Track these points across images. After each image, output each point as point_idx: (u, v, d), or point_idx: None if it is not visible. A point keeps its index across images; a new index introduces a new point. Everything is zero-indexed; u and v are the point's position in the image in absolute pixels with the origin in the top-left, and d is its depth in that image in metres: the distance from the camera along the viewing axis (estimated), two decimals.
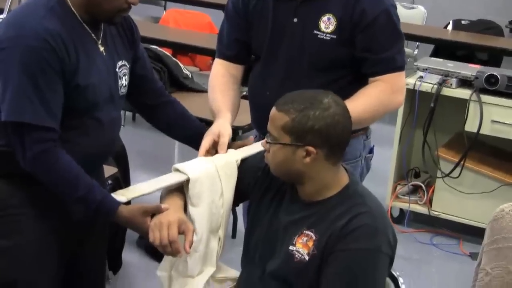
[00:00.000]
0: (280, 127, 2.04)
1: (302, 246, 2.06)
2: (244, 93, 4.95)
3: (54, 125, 2.11)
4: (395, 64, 2.52)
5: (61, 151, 2.13)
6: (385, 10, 2.47)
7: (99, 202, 2.15)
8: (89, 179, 2.15)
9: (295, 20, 2.52)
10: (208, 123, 2.50)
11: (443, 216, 4.49)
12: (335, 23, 2.48)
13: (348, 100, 2.34)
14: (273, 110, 2.08)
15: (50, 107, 2.09)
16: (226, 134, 2.38)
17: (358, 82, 2.53)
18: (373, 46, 2.48)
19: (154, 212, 2.17)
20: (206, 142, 2.35)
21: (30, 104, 2.07)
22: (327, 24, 2.49)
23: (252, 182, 2.27)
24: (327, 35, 2.49)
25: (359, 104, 2.43)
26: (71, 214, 2.27)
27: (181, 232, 2.12)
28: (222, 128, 2.41)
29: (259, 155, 2.27)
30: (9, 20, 2.16)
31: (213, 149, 2.37)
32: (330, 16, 2.48)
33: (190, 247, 2.13)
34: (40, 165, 2.12)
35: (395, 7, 2.53)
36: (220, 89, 2.63)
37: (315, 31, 2.49)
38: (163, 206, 2.17)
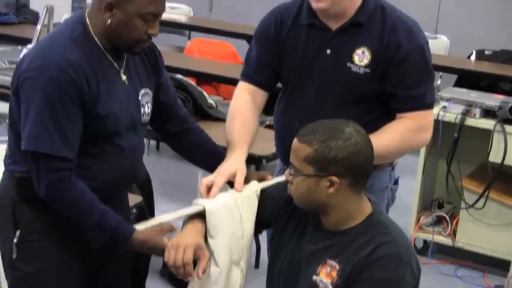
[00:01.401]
0: (303, 158, 2.04)
1: (325, 276, 2.06)
2: (268, 122, 5.00)
3: (70, 155, 2.15)
4: (425, 101, 2.51)
5: (75, 180, 2.16)
6: (419, 46, 2.47)
7: (113, 229, 2.18)
8: (103, 207, 2.18)
9: (328, 51, 2.51)
10: None
11: (468, 247, 4.45)
12: (370, 56, 2.47)
13: (372, 134, 2.33)
14: (295, 142, 2.09)
15: (67, 137, 2.14)
16: (242, 173, 2.34)
17: (387, 116, 2.52)
18: (404, 82, 2.47)
19: (169, 230, 2.20)
20: (220, 182, 2.30)
21: (48, 134, 2.12)
22: (361, 57, 2.48)
23: (275, 212, 2.28)
24: (361, 68, 2.47)
25: (384, 140, 2.42)
26: (90, 241, 2.29)
27: (197, 257, 2.13)
28: (237, 166, 2.36)
29: (281, 185, 2.28)
30: (35, 50, 2.22)
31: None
32: (365, 49, 2.47)
33: (203, 273, 2.13)
34: (54, 193, 2.16)
35: (428, 44, 2.52)
36: (241, 119, 2.56)
37: (348, 64, 2.48)
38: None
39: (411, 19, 2.54)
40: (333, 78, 2.50)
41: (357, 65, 2.48)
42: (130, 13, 2.15)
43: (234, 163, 2.37)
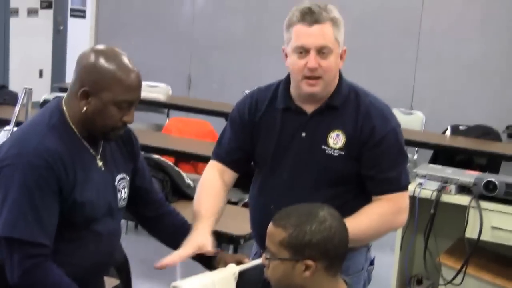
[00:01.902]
0: (278, 242, 2.06)
1: None
2: (246, 200, 5.01)
3: (47, 241, 2.15)
4: (400, 184, 2.55)
5: (51, 266, 2.16)
6: (392, 130, 2.52)
7: None
8: None
9: (304, 134, 2.54)
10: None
11: None
12: (344, 139, 2.51)
13: (351, 217, 2.36)
14: (270, 226, 2.11)
15: (43, 223, 2.14)
16: (209, 245, 2.38)
17: (361, 197, 2.55)
18: (380, 165, 2.51)
19: None
20: (183, 254, 2.34)
21: (24, 220, 2.12)
22: (335, 140, 2.51)
23: None
24: (336, 151, 2.51)
25: (362, 223, 2.45)
26: None
27: None
28: (203, 239, 2.39)
29: (258, 268, 2.28)
30: (13, 138, 2.26)
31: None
32: (339, 132, 2.51)
33: None
34: (29, 280, 2.15)
35: (400, 127, 2.58)
36: (208, 193, 2.60)
37: (323, 146, 2.52)
38: None
39: (383, 103, 2.60)
40: (308, 161, 2.54)
41: (331, 147, 2.51)
42: (105, 101, 2.19)
43: (200, 235, 2.40)
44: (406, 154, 2.59)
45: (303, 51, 2.46)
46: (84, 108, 2.20)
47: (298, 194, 2.49)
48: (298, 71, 2.48)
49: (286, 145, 2.57)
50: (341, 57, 2.51)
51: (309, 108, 2.55)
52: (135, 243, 5.30)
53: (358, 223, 2.40)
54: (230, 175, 2.69)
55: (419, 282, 4.63)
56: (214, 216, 2.52)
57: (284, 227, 2.06)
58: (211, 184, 2.63)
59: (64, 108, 2.26)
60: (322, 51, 2.44)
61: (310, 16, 2.44)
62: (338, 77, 2.56)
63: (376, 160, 2.51)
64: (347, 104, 2.54)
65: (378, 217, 2.52)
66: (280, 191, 2.57)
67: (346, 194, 2.54)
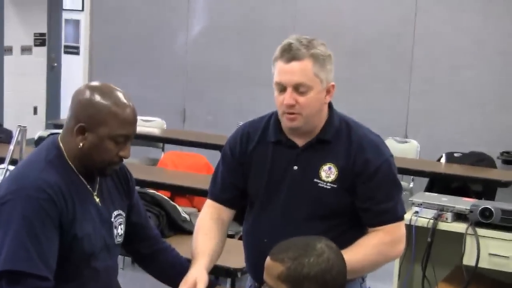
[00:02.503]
0: (276, 276, 2.05)
1: None
2: (241, 233, 4.99)
3: (48, 275, 2.14)
4: (396, 214, 2.54)
5: None
6: (386, 161, 2.53)
7: None
8: None
9: (295, 167, 2.54)
10: None
11: None
12: (336, 172, 2.51)
13: (347, 249, 2.36)
14: (268, 260, 2.10)
15: (46, 256, 2.14)
16: (203, 281, 2.37)
17: (356, 228, 2.55)
18: (375, 197, 2.51)
19: None
20: None
21: (26, 253, 2.11)
22: (328, 173, 2.51)
23: None
24: (328, 184, 2.51)
25: (359, 254, 2.45)
26: None
27: None
28: (198, 275, 2.39)
29: None
30: (12, 176, 2.27)
31: None
32: (331, 165, 2.51)
33: None
34: None
35: (393, 157, 2.58)
36: (204, 232, 2.59)
37: (315, 180, 2.51)
38: None
39: (375, 134, 2.60)
40: (300, 194, 2.53)
41: (324, 181, 2.51)
42: (101, 136, 2.20)
43: (194, 272, 2.40)
44: (400, 184, 2.60)
45: (281, 87, 2.47)
46: (81, 144, 2.21)
47: (291, 228, 2.48)
48: (279, 106, 2.50)
49: (278, 179, 2.56)
50: (328, 91, 2.51)
51: (300, 142, 2.55)
52: (132, 279, 5.27)
53: (354, 255, 2.39)
54: (228, 212, 2.69)
55: None
56: (210, 254, 2.51)
57: (282, 261, 2.05)
58: (207, 224, 2.62)
59: (61, 144, 2.27)
60: (299, 89, 2.44)
61: (288, 53, 2.44)
62: (326, 111, 2.56)
63: (371, 192, 2.51)
64: (339, 136, 2.54)
65: (375, 249, 2.51)
66: (273, 225, 2.56)
67: (340, 226, 2.53)
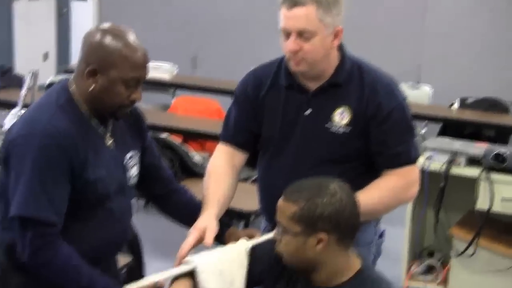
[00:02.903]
0: (289, 217, 2.05)
1: None
2: (254, 177, 5.00)
3: (57, 221, 2.15)
4: (410, 157, 2.53)
5: (61, 245, 2.16)
6: (399, 105, 2.50)
7: None
8: (90, 271, 2.18)
9: (307, 112, 2.52)
10: None
11: None
12: (349, 116, 2.49)
13: (361, 191, 2.35)
14: (281, 201, 2.10)
15: (54, 203, 2.15)
16: (212, 230, 2.35)
17: (369, 173, 2.54)
18: (388, 140, 2.49)
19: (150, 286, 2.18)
20: (191, 239, 2.32)
21: (36, 200, 2.13)
22: (340, 117, 2.49)
23: (265, 271, 2.28)
24: (341, 128, 2.49)
25: (373, 197, 2.44)
26: None
27: None
28: (207, 224, 2.37)
29: (270, 243, 2.27)
30: (23, 119, 2.25)
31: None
32: (344, 109, 2.49)
33: None
34: (39, 259, 2.15)
35: (406, 100, 2.55)
36: (215, 178, 2.56)
37: (328, 124, 2.50)
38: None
39: (388, 77, 2.57)
40: (313, 139, 2.52)
41: (336, 125, 2.50)
42: (112, 79, 2.17)
43: (204, 220, 2.39)
44: (414, 128, 2.57)
45: (285, 33, 2.44)
46: (91, 87, 2.19)
47: (305, 172, 2.44)
48: (285, 51, 2.48)
49: (290, 123, 2.55)
50: (335, 36, 2.46)
51: (312, 86, 2.53)
52: (145, 222, 5.29)
53: (368, 197, 2.39)
54: (240, 156, 2.66)
55: (431, 254, 4.64)
56: (220, 201, 2.49)
57: (295, 201, 2.05)
58: (218, 170, 2.60)
59: (71, 88, 2.25)
60: (302, 35, 2.41)
61: None
62: (336, 55, 2.52)
63: (383, 136, 2.49)
64: (351, 80, 2.51)
65: (389, 191, 2.51)
66: (286, 169, 2.55)
67: (354, 171, 2.52)
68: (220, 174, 2.58)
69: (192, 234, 2.34)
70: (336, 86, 2.51)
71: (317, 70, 2.48)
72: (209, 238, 2.32)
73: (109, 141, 2.30)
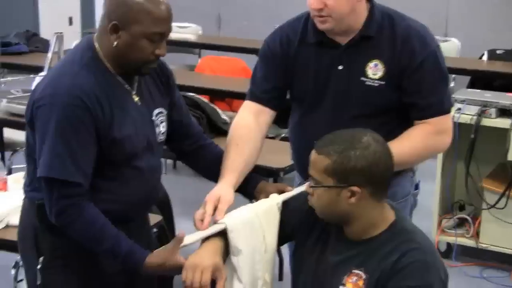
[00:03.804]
0: (322, 170, 2.04)
1: (352, 285, 2.05)
2: (283, 135, 4.99)
3: (82, 181, 2.15)
4: (442, 107, 2.49)
5: (87, 205, 2.17)
6: (432, 52, 2.45)
7: (126, 254, 2.18)
8: (115, 232, 2.18)
9: (340, 67, 2.48)
10: None
11: (492, 248, 4.42)
12: (383, 68, 2.45)
13: (393, 141, 2.31)
14: (313, 154, 2.08)
15: (79, 163, 2.14)
16: (226, 201, 2.30)
17: (404, 125, 2.50)
18: (421, 90, 2.45)
19: (176, 245, 2.17)
20: (208, 209, 2.28)
21: (61, 161, 2.13)
22: (374, 70, 2.45)
23: (297, 224, 2.27)
24: (376, 81, 2.45)
25: (405, 146, 2.40)
26: (108, 267, 2.31)
27: (214, 278, 2.12)
28: (223, 193, 2.33)
29: (301, 197, 2.26)
30: (47, 79, 2.24)
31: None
32: (377, 62, 2.45)
33: None
34: (64, 219, 2.17)
35: (440, 48, 2.50)
36: (235, 143, 2.48)
37: (362, 78, 2.46)
38: (179, 232, 2.18)
39: (420, 24, 2.52)
40: (347, 94, 2.48)
41: (371, 78, 2.46)
42: (135, 34, 2.15)
43: (219, 189, 2.35)
44: (447, 76, 2.52)
45: None
46: (115, 43, 2.17)
47: (339, 127, 2.39)
48: (310, 9, 2.44)
49: (323, 80, 2.51)
50: None
51: (342, 40, 2.49)
52: (174, 183, 5.32)
53: (401, 146, 2.35)
54: (267, 114, 2.61)
55: (462, 208, 4.61)
56: (239, 169, 2.42)
57: (328, 154, 2.03)
58: (240, 132, 2.53)
59: (96, 44, 2.23)
60: None
61: None
62: (364, 7, 2.47)
63: (417, 85, 2.45)
64: (383, 31, 2.47)
65: (421, 140, 2.47)
66: (320, 126, 2.49)
67: (388, 124, 2.47)
68: (243, 137, 2.51)
69: (208, 205, 2.29)
70: (367, 39, 2.47)
71: (345, 25, 2.44)
72: (221, 210, 2.28)
73: (136, 98, 2.29)
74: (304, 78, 2.54)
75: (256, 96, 2.61)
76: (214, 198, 2.31)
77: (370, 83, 2.46)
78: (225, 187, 2.36)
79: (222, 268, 2.16)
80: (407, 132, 2.47)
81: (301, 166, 2.62)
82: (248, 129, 2.53)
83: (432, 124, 2.47)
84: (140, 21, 2.14)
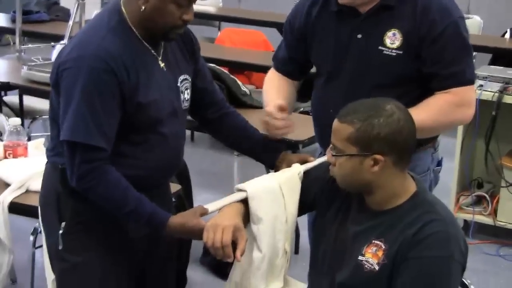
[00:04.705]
0: (345, 138, 2.02)
1: (371, 256, 2.05)
2: (302, 108, 4.98)
3: (105, 145, 2.15)
4: (464, 77, 2.45)
5: (109, 169, 2.17)
6: (453, 22, 2.41)
7: (149, 215, 2.18)
8: (137, 194, 2.18)
9: (359, 36, 2.47)
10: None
11: (509, 226, 4.41)
12: (401, 38, 2.42)
13: (412, 109, 2.29)
14: (336, 122, 2.07)
15: (103, 128, 2.14)
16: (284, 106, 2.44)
17: (425, 96, 2.47)
18: (442, 60, 2.42)
19: (202, 212, 2.19)
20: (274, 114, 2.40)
21: (84, 125, 2.12)
22: (392, 39, 2.43)
23: (318, 194, 2.27)
24: (393, 51, 2.43)
25: (424, 113, 2.37)
26: (130, 232, 2.31)
27: (235, 238, 2.12)
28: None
29: (323, 166, 2.26)
30: (74, 42, 2.23)
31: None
32: (396, 31, 2.43)
33: (241, 255, 2.12)
34: (86, 183, 2.16)
35: (463, 19, 2.47)
36: (273, 85, 2.67)
37: (380, 47, 2.44)
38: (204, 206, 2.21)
39: None
40: (366, 62, 2.47)
41: (388, 47, 2.44)
42: None
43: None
44: (470, 47, 2.48)
45: None
46: (143, 7, 2.16)
47: (359, 97, 2.36)
48: None
49: (343, 48, 2.50)
50: None
51: (363, 9, 2.47)
52: (191, 155, 5.32)
53: (419, 113, 2.29)
54: (290, 82, 2.72)
55: (480, 185, 4.60)
56: (284, 98, 2.56)
57: (351, 122, 2.02)
58: (274, 83, 2.69)
59: (123, 8, 2.22)
60: None
61: None
62: None
63: (437, 55, 2.42)
64: (404, 1, 2.44)
65: (441, 108, 2.43)
66: (340, 95, 2.50)
67: (409, 94, 2.45)
68: (279, 85, 2.67)
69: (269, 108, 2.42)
70: (387, 8, 2.45)
71: None
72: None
73: (162, 64, 2.28)
74: (324, 48, 2.56)
75: (276, 66, 2.74)
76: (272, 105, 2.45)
77: (387, 52, 2.44)
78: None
79: (243, 229, 2.16)
80: (426, 100, 2.44)
81: (322, 135, 2.62)
82: (282, 82, 2.70)
83: (454, 94, 2.44)
84: None
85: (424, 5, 2.42)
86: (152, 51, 2.25)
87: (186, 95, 2.35)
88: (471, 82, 2.48)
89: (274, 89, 2.64)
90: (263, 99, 2.64)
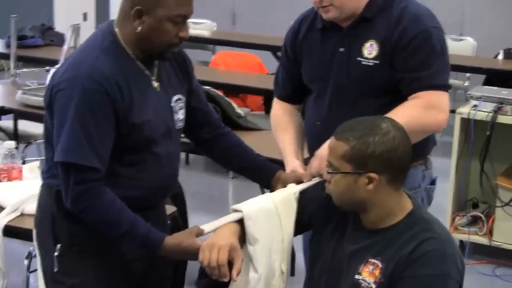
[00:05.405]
0: (340, 156, 2.03)
1: (368, 275, 2.04)
2: None
3: (99, 166, 2.15)
4: (431, 81, 2.46)
5: (104, 189, 2.16)
6: (425, 31, 2.46)
7: (144, 235, 2.17)
8: (132, 215, 2.18)
9: (341, 49, 2.54)
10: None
11: (505, 246, 4.40)
12: (378, 48, 2.48)
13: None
14: (332, 140, 2.08)
15: (97, 148, 2.14)
16: (299, 168, 2.51)
17: None
18: (409, 65, 2.45)
19: (198, 232, 2.19)
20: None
21: (79, 146, 2.12)
22: (369, 50, 2.50)
23: (315, 213, 2.27)
24: (371, 60, 2.49)
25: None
26: (126, 253, 2.30)
27: (231, 258, 2.12)
28: (292, 165, 2.53)
29: (319, 186, 2.27)
30: (67, 63, 2.24)
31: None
32: (373, 41, 2.49)
33: (237, 274, 2.12)
34: (81, 204, 2.16)
35: (438, 29, 2.50)
36: (281, 128, 2.71)
37: (358, 58, 2.51)
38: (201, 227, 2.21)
39: (423, 7, 2.54)
40: (347, 74, 2.53)
41: (366, 58, 2.50)
42: (159, 18, 2.15)
43: (288, 165, 2.56)
44: (443, 56, 2.49)
45: None
46: (139, 28, 2.17)
47: (343, 109, 2.50)
48: (312, 3, 2.54)
49: (327, 63, 2.57)
50: None
51: (345, 23, 2.55)
52: (186, 178, 5.30)
53: None
54: (294, 106, 2.78)
55: (475, 205, 4.60)
56: (295, 148, 2.63)
57: (347, 140, 2.02)
58: (279, 120, 2.75)
59: (116, 30, 2.23)
60: None
61: None
62: None
63: (405, 61, 2.45)
64: (382, 13, 2.51)
65: (410, 112, 2.41)
66: (325, 108, 2.58)
67: (390, 106, 2.46)
68: (284, 123, 2.73)
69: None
70: (366, 21, 2.52)
71: (348, 11, 2.50)
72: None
73: (156, 84, 2.28)
74: (310, 62, 2.63)
75: (278, 93, 2.82)
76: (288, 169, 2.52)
77: (365, 63, 2.50)
78: (291, 161, 2.57)
79: (239, 248, 2.16)
80: (397, 107, 2.44)
81: (313, 148, 2.62)
82: (286, 117, 2.75)
83: (420, 97, 2.44)
84: (163, 4, 2.14)
85: (399, 15, 2.49)
86: (146, 71, 2.26)
87: (181, 115, 2.35)
88: (440, 87, 2.48)
89: (285, 135, 2.69)
90: (276, 140, 2.72)
